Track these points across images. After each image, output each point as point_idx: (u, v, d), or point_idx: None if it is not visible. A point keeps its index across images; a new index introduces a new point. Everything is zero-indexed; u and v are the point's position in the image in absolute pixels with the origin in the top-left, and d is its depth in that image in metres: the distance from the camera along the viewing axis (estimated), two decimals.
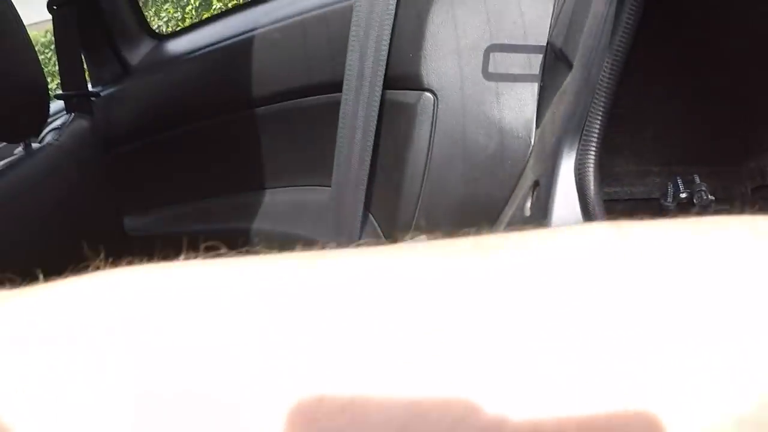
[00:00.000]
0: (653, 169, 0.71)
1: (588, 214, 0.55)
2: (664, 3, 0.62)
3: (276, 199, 1.17)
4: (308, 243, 0.13)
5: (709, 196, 0.66)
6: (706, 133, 0.70)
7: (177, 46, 1.30)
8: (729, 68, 0.68)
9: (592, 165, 0.56)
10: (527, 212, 0.68)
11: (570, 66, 0.67)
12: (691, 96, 0.68)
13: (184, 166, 1.25)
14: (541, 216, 0.62)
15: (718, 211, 0.67)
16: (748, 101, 0.70)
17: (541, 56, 0.84)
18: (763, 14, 0.64)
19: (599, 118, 0.56)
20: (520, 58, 0.88)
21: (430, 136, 0.86)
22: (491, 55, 0.84)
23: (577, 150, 0.59)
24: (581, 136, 0.58)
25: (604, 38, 0.59)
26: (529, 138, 0.78)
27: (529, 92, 0.83)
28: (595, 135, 0.56)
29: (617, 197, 0.68)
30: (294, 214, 1.14)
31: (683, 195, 0.67)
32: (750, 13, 0.66)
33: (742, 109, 0.70)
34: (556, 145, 0.63)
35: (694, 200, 0.67)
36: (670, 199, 0.67)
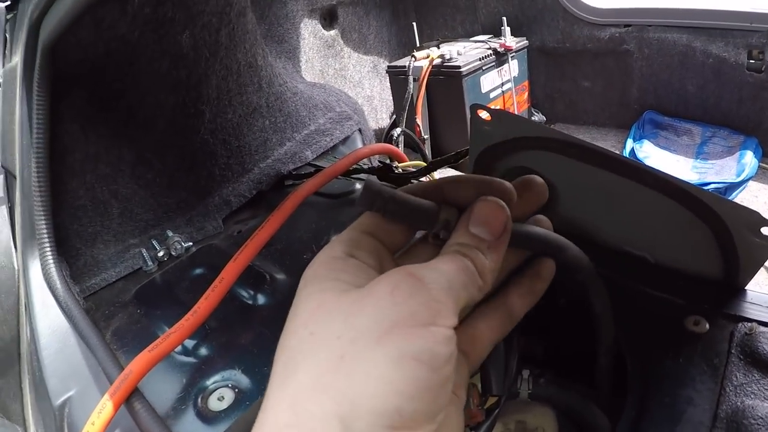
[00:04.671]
0: (132, 241, 0.69)
1: (68, 315, 0.50)
2: (84, 84, 0.61)
3: None
4: None
5: (184, 244, 0.70)
6: (163, 189, 0.71)
7: None
8: (156, 128, 0.70)
9: (52, 266, 0.52)
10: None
11: (15, 178, 0.62)
12: (134, 164, 0.69)
13: None
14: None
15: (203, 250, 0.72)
16: (183, 153, 0.74)
17: (1, 177, 0.77)
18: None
19: (43, 217, 0.52)
20: None
21: None
22: None
23: (39, 257, 0.54)
24: (36, 241, 0.53)
25: (25, 139, 0.56)
26: (12, 263, 0.69)
27: (2, 217, 0.74)
28: (45, 235, 0.53)
29: (105, 284, 0.64)
30: None
31: (161, 253, 0.68)
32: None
33: (199, 158, 0.74)
34: (22, 259, 0.56)
35: (172, 252, 0.69)
36: (150, 263, 0.67)
